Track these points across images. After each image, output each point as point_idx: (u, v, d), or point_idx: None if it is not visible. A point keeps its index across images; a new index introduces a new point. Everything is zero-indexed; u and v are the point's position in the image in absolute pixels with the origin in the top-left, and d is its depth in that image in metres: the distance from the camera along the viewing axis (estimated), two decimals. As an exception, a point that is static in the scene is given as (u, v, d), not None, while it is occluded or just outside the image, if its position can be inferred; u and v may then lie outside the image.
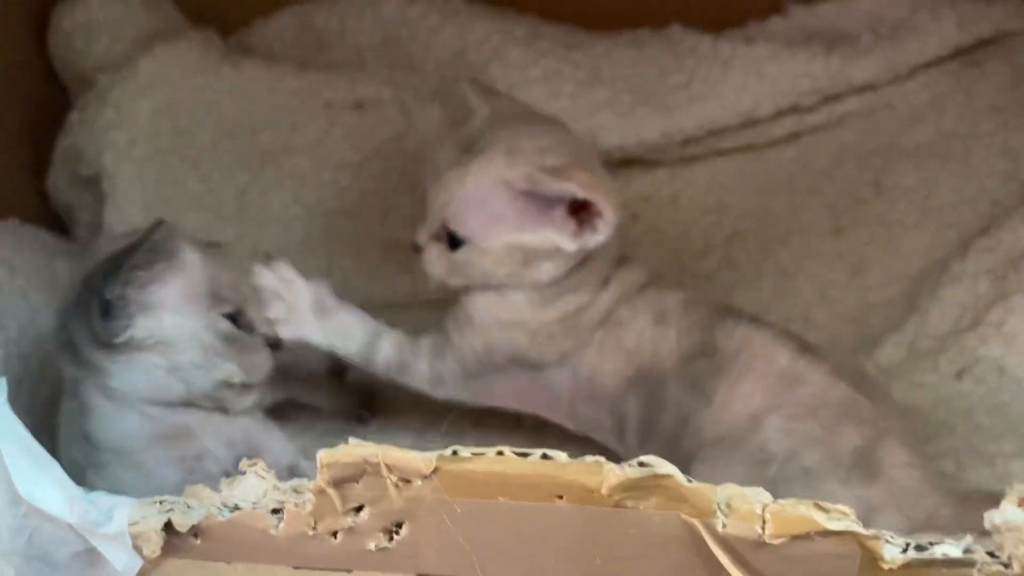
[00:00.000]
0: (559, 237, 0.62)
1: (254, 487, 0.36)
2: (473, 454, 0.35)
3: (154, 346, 0.60)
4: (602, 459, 0.36)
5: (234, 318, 0.63)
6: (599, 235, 0.62)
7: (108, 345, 0.59)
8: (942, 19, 0.84)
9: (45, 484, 0.37)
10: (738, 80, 0.83)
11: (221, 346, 0.61)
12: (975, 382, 0.70)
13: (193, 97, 0.88)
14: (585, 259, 0.64)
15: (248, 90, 0.90)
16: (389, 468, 0.34)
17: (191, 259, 0.61)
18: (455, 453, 0.35)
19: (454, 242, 0.64)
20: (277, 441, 0.66)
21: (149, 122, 0.87)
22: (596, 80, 0.85)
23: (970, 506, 0.54)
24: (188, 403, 0.62)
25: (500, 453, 0.35)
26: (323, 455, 0.35)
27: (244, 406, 0.64)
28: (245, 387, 0.63)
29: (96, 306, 0.59)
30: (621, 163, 0.87)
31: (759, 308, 0.80)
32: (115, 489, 0.60)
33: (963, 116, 0.83)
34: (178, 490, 0.62)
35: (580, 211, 0.61)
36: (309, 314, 0.67)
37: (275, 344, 0.65)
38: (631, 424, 0.65)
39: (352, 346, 0.67)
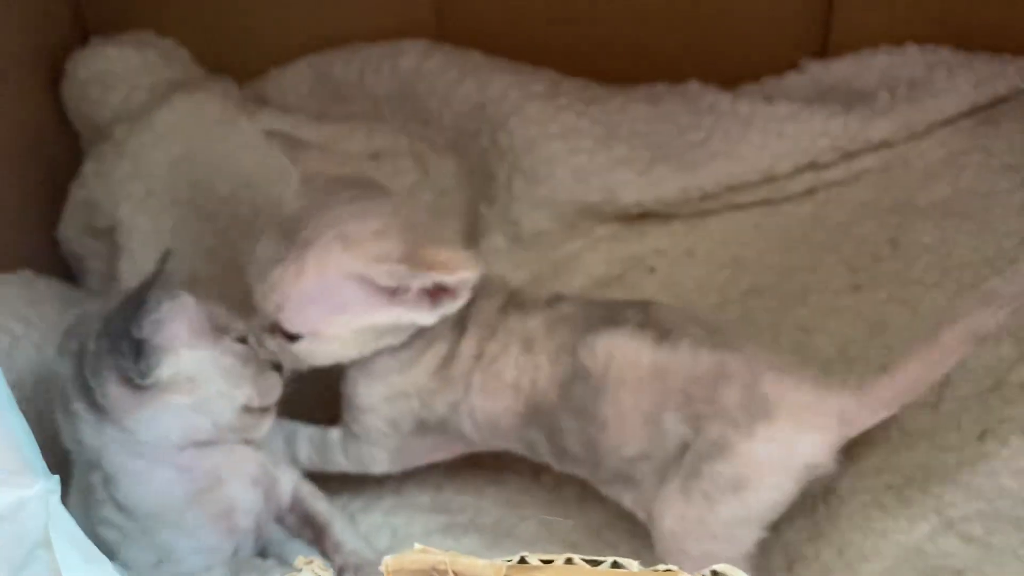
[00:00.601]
0: (416, 315, 0.62)
1: (311, 586, 0.36)
2: (543, 561, 0.35)
3: (179, 385, 0.61)
4: (675, 568, 0.36)
5: (243, 341, 0.64)
6: (460, 300, 0.62)
7: (139, 388, 0.59)
8: (958, 78, 0.85)
9: (96, 582, 0.37)
10: (757, 139, 0.84)
11: (240, 368, 0.63)
12: (999, 444, 0.69)
13: (211, 148, 0.89)
14: None
15: (266, 142, 0.90)
16: (457, 575, 0.34)
17: (187, 296, 0.63)
18: (523, 560, 0.34)
19: (290, 335, 0.64)
20: (283, 469, 0.69)
21: (166, 173, 0.87)
22: (614, 136, 0.85)
23: (868, 389, 0.61)
24: (213, 441, 0.63)
25: (569, 561, 0.35)
26: (389, 560, 0.34)
27: (264, 431, 0.65)
28: (263, 411, 0.65)
29: (127, 348, 0.59)
30: (637, 216, 0.88)
31: (779, 365, 0.80)
32: (153, 555, 0.60)
33: (980, 174, 0.83)
34: (217, 552, 0.63)
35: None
36: None
37: (278, 366, 0.66)
38: (542, 448, 0.67)
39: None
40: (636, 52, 0.92)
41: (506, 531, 0.76)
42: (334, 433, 0.71)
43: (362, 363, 0.66)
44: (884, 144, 0.85)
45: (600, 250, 0.87)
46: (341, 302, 0.61)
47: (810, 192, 0.87)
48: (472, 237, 0.88)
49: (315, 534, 0.68)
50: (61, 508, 0.37)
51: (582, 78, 0.91)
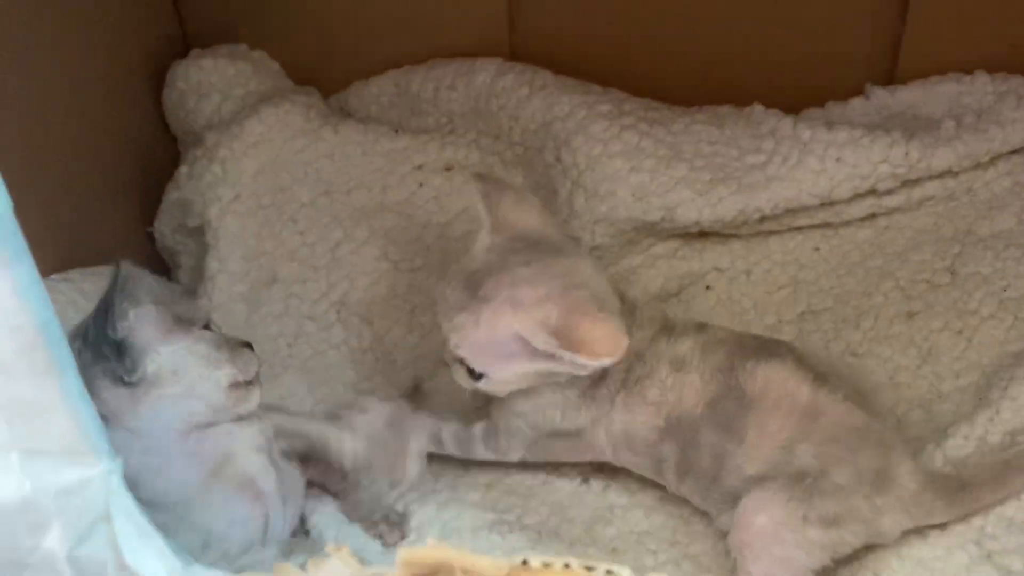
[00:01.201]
0: (571, 368, 0.68)
1: (339, 572, 0.40)
2: (543, 564, 0.38)
3: (165, 378, 0.66)
4: (664, 576, 0.39)
5: (207, 328, 0.70)
6: (607, 364, 0.67)
7: (131, 386, 0.65)
8: (1027, 108, 0.84)
9: (148, 555, 0.41)
10: (816, 164, 0.84)
11: (215, 353, 0.68)
12: (1049, 481, 0.69)
13: (294, 157, 0.94)
14: None
15: (345, 152, 0.95)
16: (464, 572, 0.37)
17: (148, 303, 0.67)
18: (525, 563, 0.38)
19: (473, 372, 0.71)
20: (281, 439, 0.73)
21: (253, 180, 0.92)
22: (676, 156, 0.87)
23: (960, 497, 0.69)
24: (213, 422, 0.69)
25: (567, 566, 0.38)
26: (404, 553, 0.38)
27: (254, 403, 0.71)
28: (248, 385, 0.70)
29: (109, 350, 0.65)
30: (696, 234, 0.90)
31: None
32: (197, 538, 0.66)
33: (1044, 206, 0.83)
34: (251, 521, 0.69)
35: None
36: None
37: (248, 344, 0.72)
38: (669, 465, 0.71)
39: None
40: (703, 74, 0.94)
41: (551, 531, 0.79)
42: (477, 428, 0.77)
43: None
44: (948, 172, 0.85)
45: (658, 266, 0.89)
46: (508, 353, 0.69)
47: (871, 217, 0.88)
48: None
49: (318, 464, 0.74)
50: (121, 486, 0.42)
51: (648, 98, 0.93)
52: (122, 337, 0.65)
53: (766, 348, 0.70)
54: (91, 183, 0.91)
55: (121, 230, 0.96)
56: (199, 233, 0.93)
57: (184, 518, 0.66)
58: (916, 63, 0.89)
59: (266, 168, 0.93)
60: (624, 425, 0.71)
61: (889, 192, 0.86)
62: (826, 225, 0.89)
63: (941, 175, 0.85)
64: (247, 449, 0.70)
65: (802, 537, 0.67)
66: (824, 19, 0.90)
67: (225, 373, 0.68)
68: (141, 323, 0.66)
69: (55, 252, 0.83)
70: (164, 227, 0.96)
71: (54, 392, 0.41)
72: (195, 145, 0.95)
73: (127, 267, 0.67)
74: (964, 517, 0.69)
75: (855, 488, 0.66)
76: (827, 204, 0.87)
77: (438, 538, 0.77)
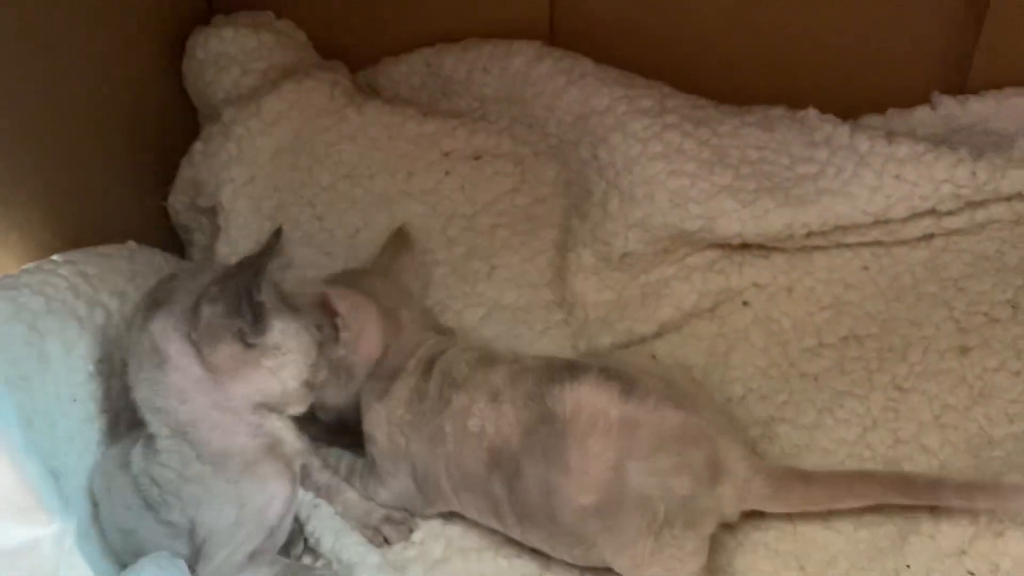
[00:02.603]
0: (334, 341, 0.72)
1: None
2: None
3: (269, 350, 0.68)
4: None
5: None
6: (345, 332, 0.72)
7: (249, 348, 0.67)
8: (1110, 128, 0.77)
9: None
10: (873, 180, 0.78)
11: (312, 347, 0.70)
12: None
13: (315, 138, 0.89)
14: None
15: (369, 134, 0.90)
16: None
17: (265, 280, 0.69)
18: None
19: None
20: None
21: (269, 160, 0.88)
22: (720, 162, 0.80)
23: (795, 491, 0.67)
24: (274, 408, 0.70)
25: None
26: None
27: (303, 408, 0.71)
28: (311, 387, 0.71)
29: (248, 310, 0.66)
30: (737, 245, 0.83)
31: (867, 422, 0.75)
32: (232, 510, 0.66)
33: (1122, 239, 0.76)
34: (280, 499, 0.69)
35: None
36: None
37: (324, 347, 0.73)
38: (504, 506, 0.69)
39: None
40: (757, 70, 0.87)
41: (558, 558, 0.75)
42: (360, 462, 0.77)
43: (361, 396, 0.74)
44: (1017, 196, 0.78)
45: (693, 280, 0.83)
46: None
47: (927, 238, 0.81)
48: (563, 248, 0.86)
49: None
50: (74, 548, 0.38)
51: (695, 94, 0.87)
52: (263, 300, 0.66)
53: (570, 369, 0.69)
54: (108, 154, 0.87)
55: (139, 202, 0.92)
56: (212, 212, 0.89)
57: (231, 480, 0.67)
58: (990, 72, 0.82)
59: (284, 148, 0.89)
60: (456, 459, 0.70)
61: (950, 212, 0.79)
62: (877, 243, 0.82)
63: (1009, 198, 0.78)
64: (293, 436, 0.71)
65: (680, 549, 0.66)
66: (891, 17, 0.83)
67: (309, 368, 0.69)
68: (267, 294, 0.67)
69: (71, 224, 0.81)
70: (178, 203, 0.93)
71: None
72: (212, 121, 0.91)
73: (284, 234, 0.70)
74: (805, 513, 0.68)
75: (697, 491, 0.65)
76: (881, 222, 0.80)
77: (442, 555, 0.75)
